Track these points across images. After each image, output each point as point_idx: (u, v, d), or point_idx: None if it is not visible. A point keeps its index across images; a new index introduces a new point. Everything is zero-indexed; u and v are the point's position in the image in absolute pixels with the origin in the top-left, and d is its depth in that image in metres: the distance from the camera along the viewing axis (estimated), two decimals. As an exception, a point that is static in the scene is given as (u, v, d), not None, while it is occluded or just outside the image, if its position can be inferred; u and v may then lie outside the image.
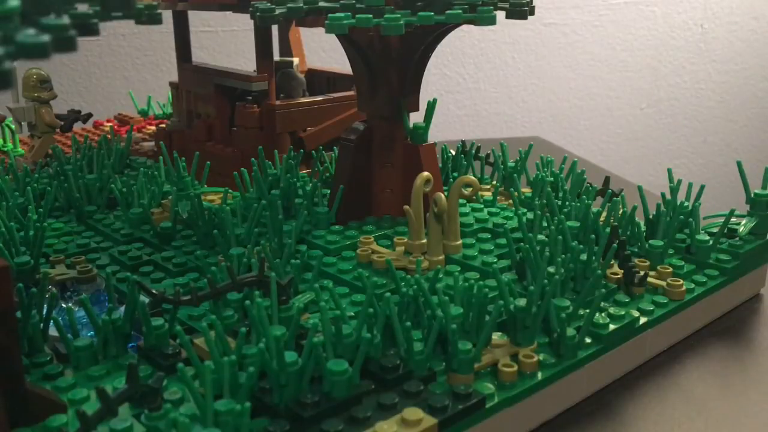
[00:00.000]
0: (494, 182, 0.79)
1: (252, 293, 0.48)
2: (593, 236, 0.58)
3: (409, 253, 0.60)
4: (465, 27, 0.58)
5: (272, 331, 0.40)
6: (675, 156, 1.95)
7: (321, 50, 1.45)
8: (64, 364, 0.44)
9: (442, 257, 0.59)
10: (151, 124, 1.07)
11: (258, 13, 0.55)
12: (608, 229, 0.57)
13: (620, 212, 0.63)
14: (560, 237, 0.55)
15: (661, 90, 1.88)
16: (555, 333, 0.46)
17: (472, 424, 0.40)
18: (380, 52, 0.62)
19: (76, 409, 0.36)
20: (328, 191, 0.69)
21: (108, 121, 1.12)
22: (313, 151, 0.80)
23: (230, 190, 0.73)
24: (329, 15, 0.53)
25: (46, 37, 0.26)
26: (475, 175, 0.80)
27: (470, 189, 0.62)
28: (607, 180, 0.72)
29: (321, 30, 0.55)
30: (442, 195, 0.59)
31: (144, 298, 0.46)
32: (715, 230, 0.62)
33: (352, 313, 0.49)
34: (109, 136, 0.89)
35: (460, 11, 0.54)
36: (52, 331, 0.46)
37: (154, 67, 1.44)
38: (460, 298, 0.48)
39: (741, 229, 0.63)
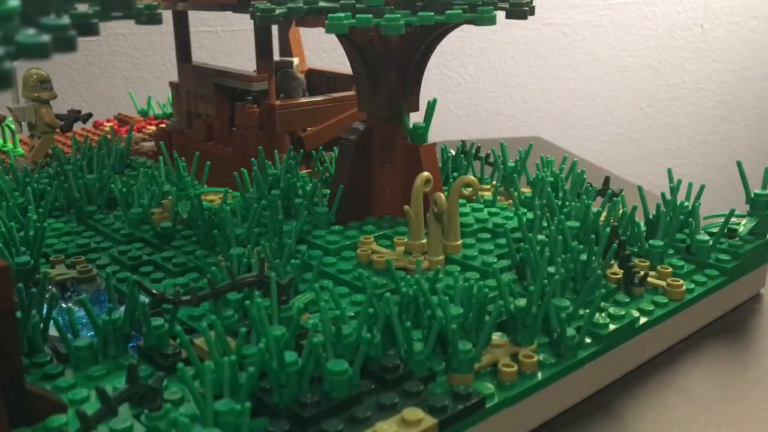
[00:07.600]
0: (494, 182, 0.79)
1: (252, 293, 0.48)
2: (593, 236, 0.58)
3: (409, 253, 0.60)
4: (465, 27, 0.58)
5: (272, 331, 0.40)
6: (675, 156, 1.94)
7: (321, 50, 1.45)
8: (64, 364, 0.44)
9: (442, 257, 0.59)
10: (151, 124, 1.07)
11: (258, 13, 0.55)
12: (608, 229, 0.57)
13: (620, 212, 0.63)
14: (560, 237, 0.55)
15: (661, 90, 1.88)
16: (555, 333, 0.46)
17: (472, 424, 0.40)
18: (380, 52, 0.62)
19: (76, 409, 0.36)
20: (328, 191, 0.69)
21: (108, 121, 1.12)
22: (313, 151, 0.80)
23: (230, 190, 0.73)
24: (329, 15, 0.53)
25: (46, 37, 0.26)
26: (475, 175, 0.80)
27: (470, 189, 0.62)
28: (607, 180, 0.72)
29: (321, 30, 0.55)
30: (442, 195, 0.59)
31: (144, 298, 0.46)
32: (715, 230, 0.62)
33: (352, 313, 0.49)
34: (109, 136, 0.89)
35: (460, 11, 0.54)
36: (52, 331, 0.46)
37: (154, 67, 1.44)
38: (460, 298, 0.48)
39: (741, 229, 0.63)
